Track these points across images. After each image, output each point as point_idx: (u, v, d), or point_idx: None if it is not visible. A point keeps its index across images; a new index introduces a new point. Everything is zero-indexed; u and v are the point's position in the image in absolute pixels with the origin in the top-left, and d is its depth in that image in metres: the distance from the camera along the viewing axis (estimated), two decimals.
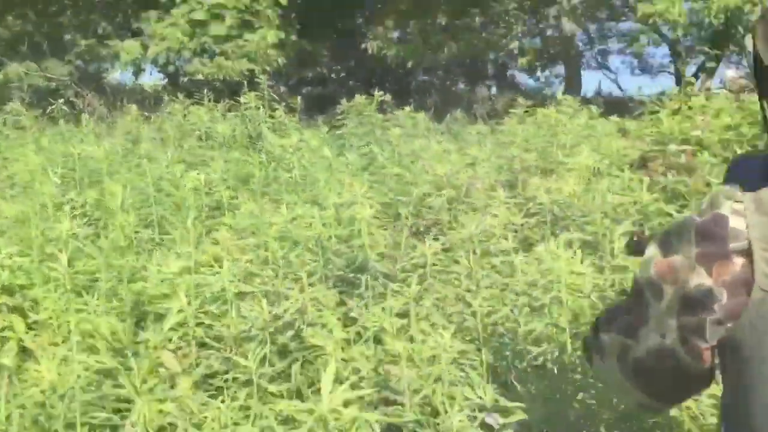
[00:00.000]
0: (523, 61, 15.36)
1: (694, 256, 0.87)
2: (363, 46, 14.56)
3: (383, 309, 3.14)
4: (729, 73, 21.79)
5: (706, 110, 6.42)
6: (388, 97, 9.72)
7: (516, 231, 4.75)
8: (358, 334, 3.22)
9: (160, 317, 3.29)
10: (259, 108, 8.33)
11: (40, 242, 3.85)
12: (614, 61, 24.07)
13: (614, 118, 7.40)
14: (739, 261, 0.85)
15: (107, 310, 3.31)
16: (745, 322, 0.84)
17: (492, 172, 5.87)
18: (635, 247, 1.63)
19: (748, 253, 0.84)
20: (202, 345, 3.29)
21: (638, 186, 4.75)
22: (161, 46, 12.92)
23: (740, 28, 13.01)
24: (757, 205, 0.86)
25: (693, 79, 18.99)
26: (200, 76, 12.73)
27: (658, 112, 7.17)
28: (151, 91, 14.58)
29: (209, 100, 8.80)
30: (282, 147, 7.25)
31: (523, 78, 20.47)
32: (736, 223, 0.86)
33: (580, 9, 13.69)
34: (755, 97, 1.01)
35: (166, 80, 15.33)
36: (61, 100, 9.48)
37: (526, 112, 8.52)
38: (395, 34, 15.81)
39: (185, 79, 12.92)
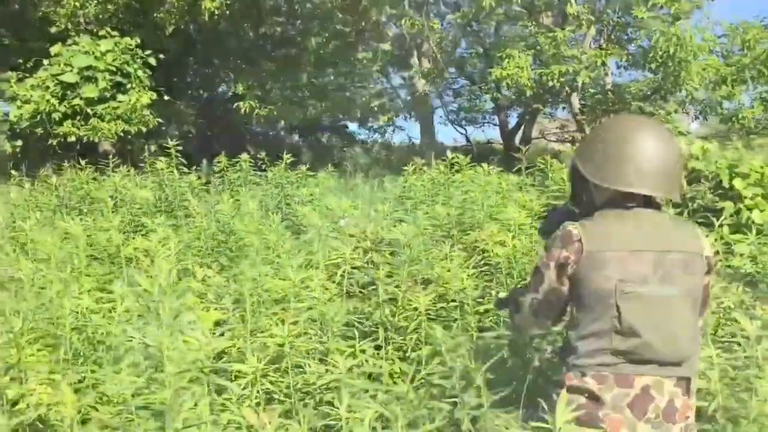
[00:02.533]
0: (384, 118, 16.50)
1: (561, 245, 2.14)
2: (235, 105, 14.92)
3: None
4: (545, 123, 24.38)
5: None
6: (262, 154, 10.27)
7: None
8: None
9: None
10: (172, 172, 8.52)
11: None
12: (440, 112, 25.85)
13: (512, 174, 8.43)
14: (577, 244, 2.11)
15: None
16: (581, 265, 2.11)
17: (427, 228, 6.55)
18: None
19: (580, 241, 2.11)
20: (269, 401, 3.69)
21: None
22: (26, 108, 12.52)
23: (567, 88, 14.99)
24: (581, 225, 2.13)
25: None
26: (73, 139, 12.48)
27: (534, 166, 8.35)
28: (9, 153, 13.91)
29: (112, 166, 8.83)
30: (204, 212, 7.53)
31: (353, 127, 21.55)
32: (575, 232, 2.13)
33: (435, 72, 15.05)
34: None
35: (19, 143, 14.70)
36: None
37: (421, 169, 9.41)
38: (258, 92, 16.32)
39: (54, 142, 12.55)
